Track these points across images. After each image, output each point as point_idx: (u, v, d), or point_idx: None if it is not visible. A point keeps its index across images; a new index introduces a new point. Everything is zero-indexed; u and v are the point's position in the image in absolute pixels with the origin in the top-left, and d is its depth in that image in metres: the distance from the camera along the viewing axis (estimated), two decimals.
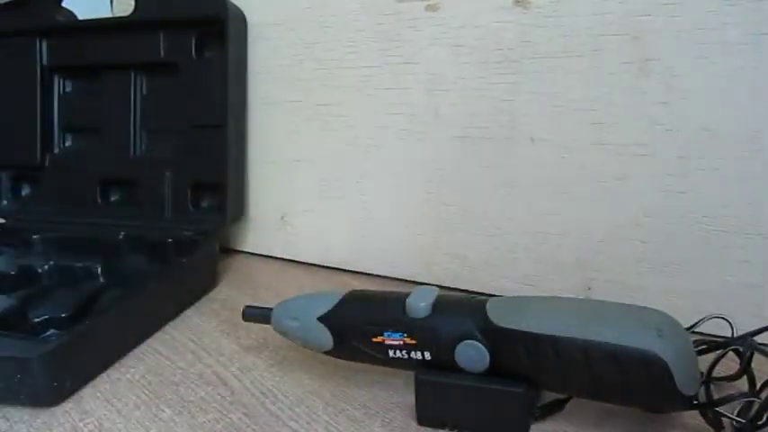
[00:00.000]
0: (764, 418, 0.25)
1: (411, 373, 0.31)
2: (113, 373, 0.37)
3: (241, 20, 0.54)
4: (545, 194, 0.43)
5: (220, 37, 0.52)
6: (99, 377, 0.37)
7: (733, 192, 0.37)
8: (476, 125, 0.45)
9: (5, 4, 0.57)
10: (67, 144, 0.61)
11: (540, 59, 0.42)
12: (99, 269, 0.47)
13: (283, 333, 0.36)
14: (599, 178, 0.41)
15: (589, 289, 0.43)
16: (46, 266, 0.47)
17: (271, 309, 0.36)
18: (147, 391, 0.35)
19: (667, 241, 0.40)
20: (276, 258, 0.57)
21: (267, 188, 0.56)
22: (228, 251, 0.59)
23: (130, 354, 0.40)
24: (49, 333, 0.38)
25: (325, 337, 0.33)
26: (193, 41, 0.54)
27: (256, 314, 0.37)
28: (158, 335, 0.42)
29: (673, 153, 0.39)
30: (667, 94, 0.38)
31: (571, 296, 0.32)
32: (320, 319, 0.33)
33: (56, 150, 0.60)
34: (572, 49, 0.41)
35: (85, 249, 0.51)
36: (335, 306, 0.33)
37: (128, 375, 0.37)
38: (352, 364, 0.35)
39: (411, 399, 0.32)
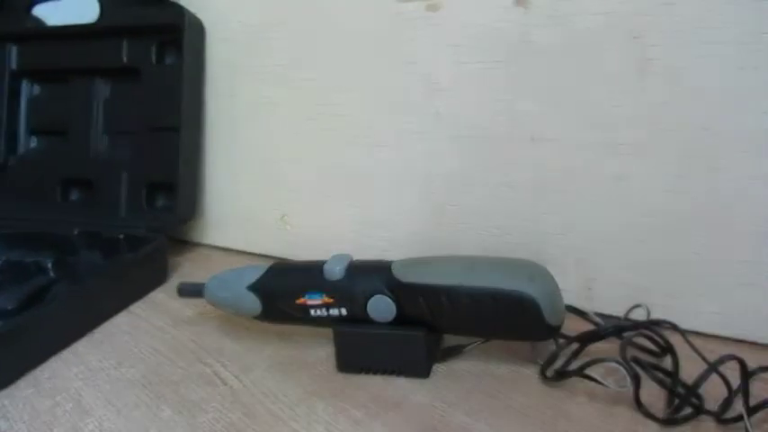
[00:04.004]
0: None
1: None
2: (113, 372, 0.37)
3: (199, 28, 0.56)
4: (545, 194, 0.43)
5: (180, 44, 0.54)
6: (99, 377, 0.37)
7: (733, 192, 0.37)
8: (476, 125, 0.45)
9: None
10: (32, 145, 0.63)
11: (540, 59, 0.42)
12: (50, 264, 0.49)
13: (216, 304, 0.40)
14: (599, 178, 0.41)
15: (589, 289, 0.43)
16: None
17: (203, 284, 0.40)
18: (147, 391, 0.35)
19: (667, 241, 0.40)
20: (276, 258, 0.57)
21: (267, 188, 0.56)
22: (229, 250, 0.59)
23: (127, 352, 0.40)
24: None
25: (255, 304, 0.37)
26: (154, 48, 0.56)
27: (190, 289, 0.41)
28: (158, 334, 0.42)
29: (673, 153, 0.39)
30: (667, 94, 0.38)
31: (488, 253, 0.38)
32: (249, 287, 0.37)
33: (20, 151, 0.62)
34: (572, 49, 0.41)
35: (39, 245, 0.53)
36: (262, 276, 0.38)
37: (128, 375, 0.37)
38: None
39: (414, 398, 0.32)
